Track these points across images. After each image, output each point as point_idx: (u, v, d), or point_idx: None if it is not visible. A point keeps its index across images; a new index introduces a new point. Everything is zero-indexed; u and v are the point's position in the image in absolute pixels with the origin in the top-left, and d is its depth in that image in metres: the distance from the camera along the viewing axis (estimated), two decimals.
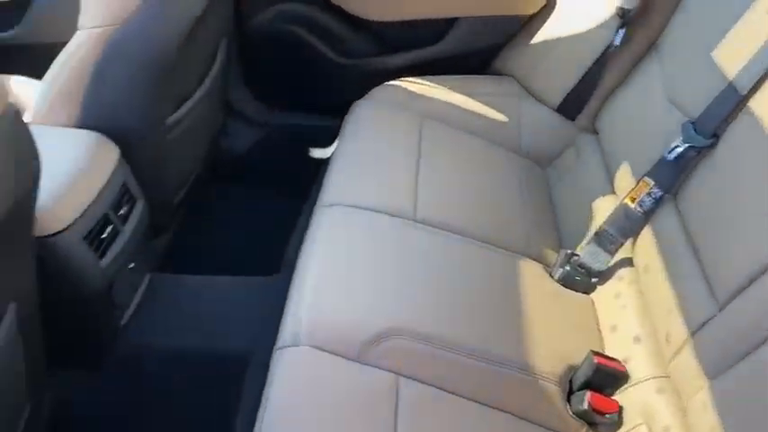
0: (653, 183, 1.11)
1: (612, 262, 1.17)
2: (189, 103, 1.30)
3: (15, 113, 0.68)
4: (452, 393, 0.95)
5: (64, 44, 1.12)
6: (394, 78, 1.62)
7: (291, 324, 0.98)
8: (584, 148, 1.47)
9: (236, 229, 1.69)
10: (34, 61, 1.39)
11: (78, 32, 1.06)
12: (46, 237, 0.95)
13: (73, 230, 0.98)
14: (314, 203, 1.28)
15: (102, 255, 1.06)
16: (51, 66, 1.10)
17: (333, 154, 1.44)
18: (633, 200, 1.13)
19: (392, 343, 0.97)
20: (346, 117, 1.52)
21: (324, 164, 1.55)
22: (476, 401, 0.95)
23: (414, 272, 1.11)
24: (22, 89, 1.32)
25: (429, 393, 0.95)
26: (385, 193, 1.26)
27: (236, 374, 1.13)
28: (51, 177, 0.88)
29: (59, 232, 0.97)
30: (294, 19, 1.67)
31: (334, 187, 1.28)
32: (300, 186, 1.62)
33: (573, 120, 1.51)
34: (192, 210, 1.64)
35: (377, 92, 1.58)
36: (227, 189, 1.80)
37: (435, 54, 1.69)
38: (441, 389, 0.95)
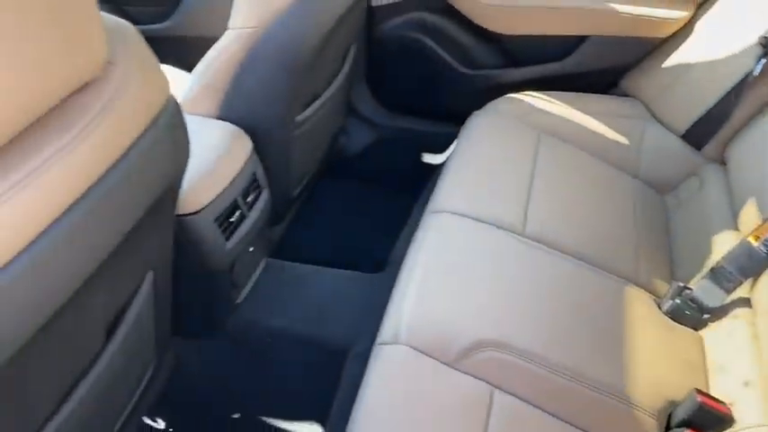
0: None
1: (728, 300, 1.12)
2: (317, 103, 1.38)
3: (175, 103, 0.76)
4: (544, 411, 0.95)
5: (208, 38, 1.23)
6: (515, 91, 1.63)
7: (393, 322, 1.03)
8: (708, 179, 1.41)
9: (346, 225, 1.76)
10: (181, 52, 1.52)
11: (228, 32, 1.15)
12: (183, 215, 1.05)
13: (207, 212, 1.08)
14: (424, 208, 1.32)
15: (229, 237, 1.15)
16: (201, 61, 1.20)
17: (447, 161, 1.46)
18: (757, 238, 1.08)
19: (489, 354, 0.99)
20: (464, 126, 1.55)
21: (436, 169, 1.58)
22: (567, 422, 0.95)
23: (518, 286, 1.11)
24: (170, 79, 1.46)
25: (521, 408, 0.95)
26: (495, 205, 1.27)
27: (335, 362, 1.19)
28: (192, 162, 0.97)
29: (195, 213, 1.06)
30: (422, 27, 1.71)
31: (446, 194, 1.30)
32: (411, 189, 1.66)
33: (699, 149, 1.46)
34: (307, 202, 1.73)
35: (497, 103, 1.59)
36: (342, 185, 1.88)
37: (560, 70, 1.69)
38: (533, 405, 0.96)
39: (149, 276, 0.92)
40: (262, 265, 1.40)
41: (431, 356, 0.98)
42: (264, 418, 1.27)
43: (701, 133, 1.44)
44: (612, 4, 1.54)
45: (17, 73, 0.50)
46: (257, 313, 1.31)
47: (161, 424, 1.30)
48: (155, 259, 0.92)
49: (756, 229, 1.09)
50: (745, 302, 1.11)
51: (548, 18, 1.60)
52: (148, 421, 1.30)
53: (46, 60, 0.53)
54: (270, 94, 1.18)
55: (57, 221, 0.58)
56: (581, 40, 1.63)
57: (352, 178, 1.92)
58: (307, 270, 1.43)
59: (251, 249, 1.28)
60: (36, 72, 0.52)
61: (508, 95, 1.61)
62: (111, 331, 0.84)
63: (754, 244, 1.08)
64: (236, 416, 1.29)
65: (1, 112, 0.50)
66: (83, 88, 0.61)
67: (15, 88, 0.51)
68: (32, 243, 0.55)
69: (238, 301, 1.30)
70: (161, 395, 1.18)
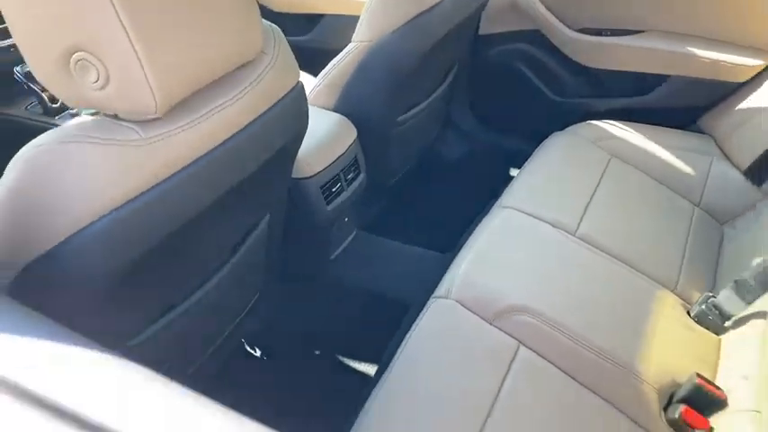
0: None
1: (749, 311, 1.25)
2: (416, 109, 1.66)
3: (301, 86, 1.06)
4: (559, 369, 1.14)
5: (339, 50, 1.54)
6: (598, 119, 1.81)
7: (447, 281, 1.26)
8: (764, 212, 1.52)
9: (431, 216, 2.03)
10: (316, 60, 1.85)
11: (351, 44, 1.46)
12: (298, 179, 1.36)
13: (315, 179, 1.38)
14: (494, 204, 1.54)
15: (329, 202, 1.45)
16: (327, 65, 1.52)
17: (522, 168, 1.68)
18: None
19: (522, 318, 1.19)
20: (543, 142, 1.76)
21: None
22: (578, 382, 1.13)
23: (559, 270, 1.31)
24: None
25: (540, 364, 1.15)
26: (555, 208, 1.47)
27: (399, 315, 1.43)
28: (310, 139, 1.28)
29: (307, 178, 1.37)
30: (521, 57, 1.95)
31: (514, 194, 1.52)
32: (494, 196, 1.88)
33: (760, 185, 1.58)
34: (401, 193, 2.01)
35: (577, 127, 1.79)
36: (434, 186, 2.15)
37: (642, 104, 1.85)
38: (550, 362, 1.15)
39: (267, 217, 1.22)
40: (353, 234, 1.69)
41: (473, 312, 1.21)
42: (338, 356, 1.55)
43: (760, 171, 1.57)
44: (692, 49, 1.70)
45: (212, 48, 0.81)
46: (344, 270, 1.60)
47: (258, 352, 1.61)
48: (272, 204, 1.22)
49: None
50: (763, 315, 1.24)
51: (631, 55, 1.79)
52: (249, 349, 1.61)
53: (227, 43, 0.84)
54: (375, 94, 1.47)
55: (215, 149, 0.87)
56: (663, 78, 1.79)
57: (445, 182, 2.17)
58: (390, 244, 1.70)
59: (346, 219, 1.57)
60: (221, 49, 0.83)
61: (588, 121, 1.80)
62: (235, 249, 1.15)
63: None
64: (317, 352, 1.58)
65: (197, 70, 0.81)
66: (242, 66, 0.92)
67: (209, 57, 0.81)
68: (197, 159, 0.85)
69: (331, 258, 1.60)
70: (260, 328, 1.49)
